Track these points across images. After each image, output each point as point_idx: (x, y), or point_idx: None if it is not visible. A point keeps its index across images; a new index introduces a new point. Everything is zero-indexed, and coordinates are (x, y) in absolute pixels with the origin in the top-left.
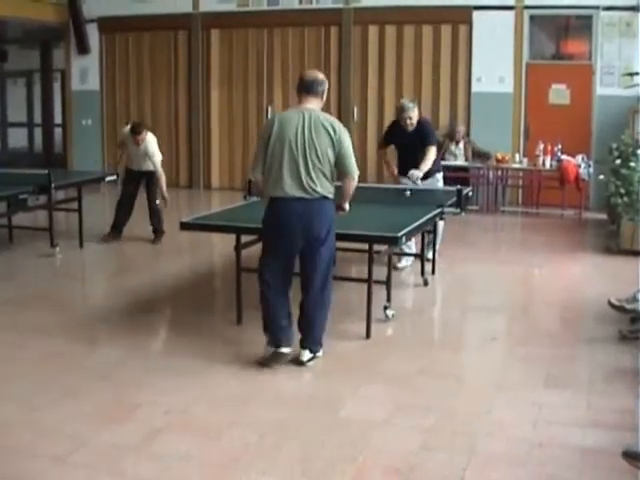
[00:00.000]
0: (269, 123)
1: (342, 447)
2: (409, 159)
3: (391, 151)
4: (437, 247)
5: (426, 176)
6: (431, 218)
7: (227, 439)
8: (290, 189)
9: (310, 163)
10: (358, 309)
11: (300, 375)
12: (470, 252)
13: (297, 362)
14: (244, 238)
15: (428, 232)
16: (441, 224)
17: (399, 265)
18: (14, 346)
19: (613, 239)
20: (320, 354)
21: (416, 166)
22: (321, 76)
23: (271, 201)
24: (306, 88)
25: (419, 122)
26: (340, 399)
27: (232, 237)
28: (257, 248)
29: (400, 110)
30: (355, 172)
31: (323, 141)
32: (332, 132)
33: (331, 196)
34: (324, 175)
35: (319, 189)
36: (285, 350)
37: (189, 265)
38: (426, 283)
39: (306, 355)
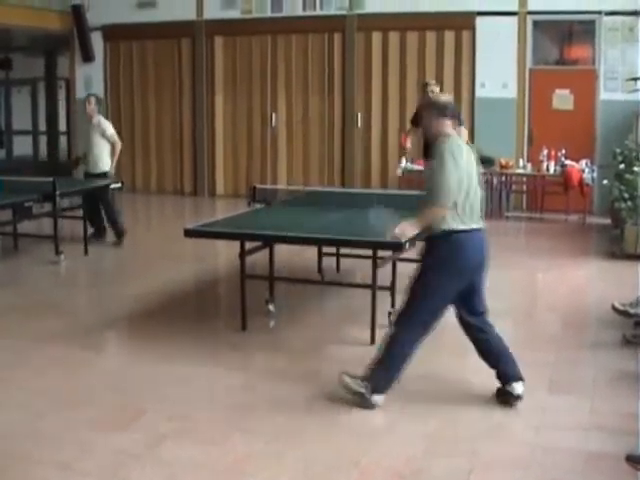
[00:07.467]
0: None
1: (345, 452)
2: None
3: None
4: None
5: None
6: None
7: (231, 445)
8: None
9: None
10: (362, 315)
11: (305, 381)
12: None
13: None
14: (248, 245)
15: None
16: None
17: None
18: (19, 353)
19: (617, 243)
20: (367, 396)
21: None
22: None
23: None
24: (458, 117)
25: None
26: (344, 404)
27: (236, 244)
28: (261, 255)
29: (424, 84)
30: (435, 201)
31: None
32: None
33: (441, 231)
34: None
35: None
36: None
37: (193, 272)
38: None
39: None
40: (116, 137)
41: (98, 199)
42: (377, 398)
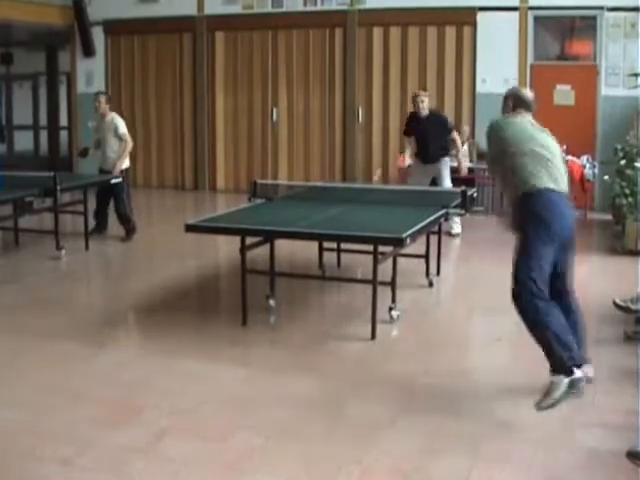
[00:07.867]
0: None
1: (347, 448)
2: (428, 146)
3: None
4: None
5: (436, 159)
6: (436, 219)
7: (232, 441)
8: None
9: None
10: (363, 310)
11: (305, 376)
12: (475, 253)
13: None
14: (249, 240)
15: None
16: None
17: (453, 232)
18: (19, 349)
19: (618, 239)
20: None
21: (435, 151)
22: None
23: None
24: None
25: (434, 112)
26: (345, 400)
27: (237, 239)
28: (262, 250)
29: (414, 95)
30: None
31: None
32: None
33: (520, 193)
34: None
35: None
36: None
37: (194, 267)
38: (431, 284)
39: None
40: (128, 137)
41: (111, 195)
42: (577, 373)
